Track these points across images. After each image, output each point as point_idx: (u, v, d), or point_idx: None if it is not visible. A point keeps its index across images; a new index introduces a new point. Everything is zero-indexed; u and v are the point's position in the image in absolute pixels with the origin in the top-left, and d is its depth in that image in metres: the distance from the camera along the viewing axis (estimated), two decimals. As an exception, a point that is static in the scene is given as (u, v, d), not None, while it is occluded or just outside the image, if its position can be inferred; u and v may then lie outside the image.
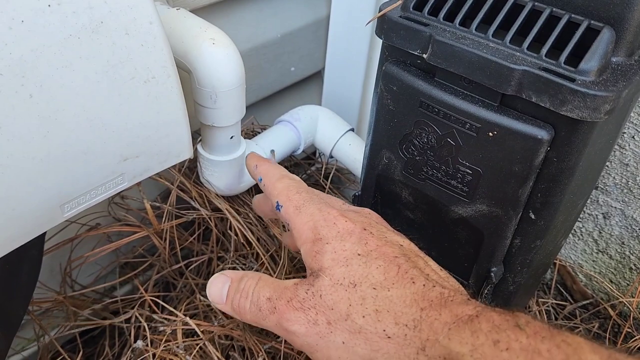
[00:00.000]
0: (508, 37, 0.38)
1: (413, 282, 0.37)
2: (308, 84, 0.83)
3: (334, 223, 0.41)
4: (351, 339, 0.36)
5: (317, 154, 0.83)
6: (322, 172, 0.76)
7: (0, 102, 0.32)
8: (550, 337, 0.30)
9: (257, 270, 0.62)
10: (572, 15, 0.37)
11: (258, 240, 0.64)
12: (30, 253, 0.47)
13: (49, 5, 0.32)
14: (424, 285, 0.37)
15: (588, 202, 0.64)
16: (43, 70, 0.34)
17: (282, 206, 0.44)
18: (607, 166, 0.59)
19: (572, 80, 0.35)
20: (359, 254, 0.39)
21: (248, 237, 0.61)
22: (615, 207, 0.62)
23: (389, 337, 0.35)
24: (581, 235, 0.67)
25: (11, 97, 0.33)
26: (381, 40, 0.44)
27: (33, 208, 0.37)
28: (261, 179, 0.49)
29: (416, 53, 0.41)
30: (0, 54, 0.31)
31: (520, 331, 0.31)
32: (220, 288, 0.43)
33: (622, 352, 0.30)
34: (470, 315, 0.33)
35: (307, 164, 0.81)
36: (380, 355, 0.35)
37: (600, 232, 0.65)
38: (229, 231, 0.64)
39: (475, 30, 0.39)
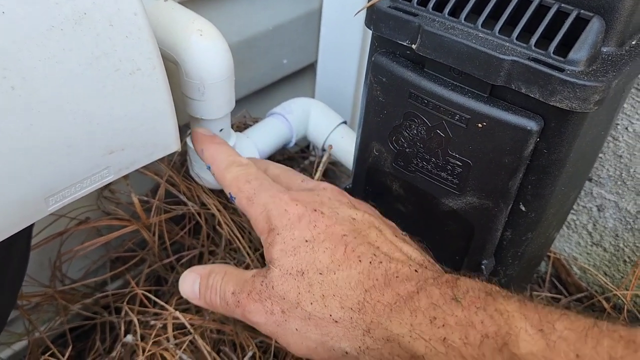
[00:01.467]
0: (497, 27, 0.37)
1: (360, 261, 0.38)
2: (301, 77, 0.82)
3: (285, 210, 0.42)
4: (303, 325, 0.38)
5: (311, 147, 0.83)
6: (315, 166, 0.75)
7: (-20, 94, 0.32)
8: (485, 307, 0.32)
9: (248, 265, 0.61)
10: (562, 5, 0.36)
11: (250, 234, 0.64)
12: (18, 246, 0.47)
13: (30, -4, 0.32)
14: (370, 262, 0.38)
15: (582, 194, 0.63)
16: (25, 63, 0.33)
17: (234, 198, 0.45)
18: (601, 158, 0.59)
19: (561, 70, 0.35)
20: (306, 240, 0.40)
21: (235, 233, 0.61)
22: (609, 200, 0.61)
23: (336, 322, 0.37)
24: (575, 227, 0.67)
25: (-8, 89, 0.32)
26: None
27: (17, 201, 0.37)
28: (209, 167, 0.49)
29: (405, 44, 0.41)
30: (-20, 45, 0.31)
31: (457, 304, 0.33)
32: (191, 285, 0.45)
33: (558, 308, 0.31)
34: (411, 292, 0.35)
35: (300, 158, 0.81)
36: (330, 338, 0.37)
37: (594, 225, 0.64)
38: (218, 227, 0.63)
39: (465, 20, 0.39)
